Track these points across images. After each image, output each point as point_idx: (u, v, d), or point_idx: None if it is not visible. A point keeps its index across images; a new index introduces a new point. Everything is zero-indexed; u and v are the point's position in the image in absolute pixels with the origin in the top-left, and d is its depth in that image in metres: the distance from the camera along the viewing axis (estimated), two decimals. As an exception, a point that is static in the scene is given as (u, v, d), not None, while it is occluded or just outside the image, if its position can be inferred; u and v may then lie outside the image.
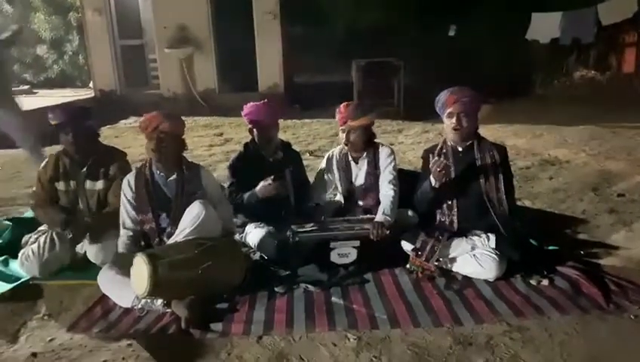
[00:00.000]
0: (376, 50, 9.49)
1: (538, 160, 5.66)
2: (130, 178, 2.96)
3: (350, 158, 3.42)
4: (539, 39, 9.66)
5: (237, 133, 7.91)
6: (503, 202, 2.96)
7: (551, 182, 4.78)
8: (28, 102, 9.07)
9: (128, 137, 7.72)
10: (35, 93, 11.74)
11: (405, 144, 6.86)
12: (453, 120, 2.97)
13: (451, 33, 10.97)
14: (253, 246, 3.22)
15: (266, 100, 3.46)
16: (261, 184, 3.23)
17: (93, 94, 10.62)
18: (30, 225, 3.41)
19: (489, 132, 3.06)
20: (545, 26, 9.32)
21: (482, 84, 3.06)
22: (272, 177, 3.21)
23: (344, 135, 3.32)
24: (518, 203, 3.82)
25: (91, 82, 11.12)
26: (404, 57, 9.09)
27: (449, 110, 2.98)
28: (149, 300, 2.59)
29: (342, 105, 3.33)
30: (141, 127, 2.90)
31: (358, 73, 9.26)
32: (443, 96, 3.01)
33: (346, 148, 3.40)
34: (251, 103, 3.41)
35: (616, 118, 7.80)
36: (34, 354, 2.29)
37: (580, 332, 2.31)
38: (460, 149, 3.06)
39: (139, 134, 2.99)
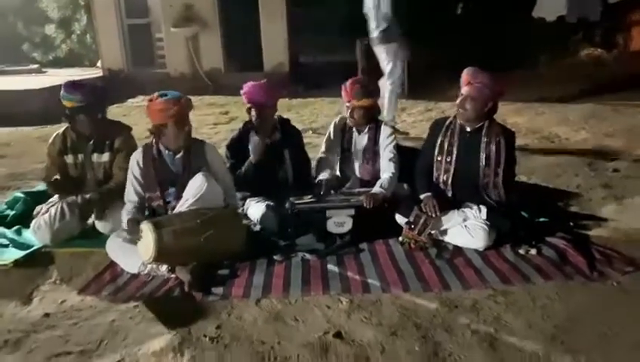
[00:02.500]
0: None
1: (538, 137, 5.71)
2: (137, 156, 3.06)
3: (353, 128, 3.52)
4: (545, 17, 9.61)
5: (242, 111, 7.86)
6: (498, 186, 3.01)
7: (548, 158, 4.84)
8: (37, 81, 9.24)
9: (136, 116, 7.82)
10: (45, 72, 11.86)
11: (408, 122, 6.92)
12: (460, 100, 3.01)
13: (457, 11, 10.92)
14: (254, 220, 3.33)
15: (265, 80, 3.50)
16: (250, 149, 3.33)
17: (101, 73, 10.71)
18: (41, 197, 3.56)
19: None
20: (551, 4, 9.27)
21: (488, 63, 3.07)
22: (257, 138, 3.33)
23: (348, 111, 3.42)
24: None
25: (99, 61, 11.19)
26: (409, 35, 9.04)
27: (462, 90, 3.00)
28: (154, 266, 2.74)
29: (348, 82, 3.38)
30: (169, 110, 2.86)
31: (362, 52, 9.23)
32: (464, 74, 3.00)
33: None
34: (250, 82, 3.43)
35: (620, 96, 7.76)
36: (47, 314, 2.45)
37: (562, 297, 2.42)
38: (469, 130, 3.05)
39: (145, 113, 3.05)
